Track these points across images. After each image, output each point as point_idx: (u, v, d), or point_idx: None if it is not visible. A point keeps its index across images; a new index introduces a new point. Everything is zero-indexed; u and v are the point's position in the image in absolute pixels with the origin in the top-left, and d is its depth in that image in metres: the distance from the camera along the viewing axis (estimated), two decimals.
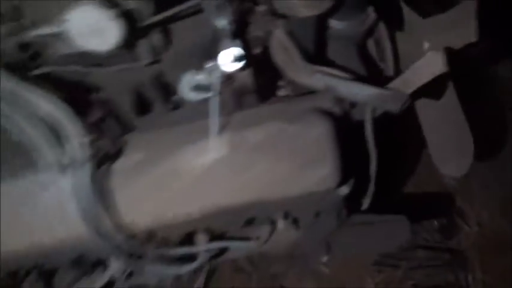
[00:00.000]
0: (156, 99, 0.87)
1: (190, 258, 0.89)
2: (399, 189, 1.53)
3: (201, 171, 0.73)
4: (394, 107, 0.74)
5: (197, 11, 0.82)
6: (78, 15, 0.69)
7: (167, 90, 0.88)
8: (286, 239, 1.01)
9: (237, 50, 0.72)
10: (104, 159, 0.69)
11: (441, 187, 1.66)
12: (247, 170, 0.74)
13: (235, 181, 0.74)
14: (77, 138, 0.66)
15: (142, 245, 0.78)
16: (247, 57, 0.74)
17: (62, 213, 0.70)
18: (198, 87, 0.82)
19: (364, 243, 0.95)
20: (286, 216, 0.92)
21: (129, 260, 0.78)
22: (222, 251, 0.95)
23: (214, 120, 0.71)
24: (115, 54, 0.80)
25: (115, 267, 0.80)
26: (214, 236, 0.90)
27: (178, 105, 0.89)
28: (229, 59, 0.72)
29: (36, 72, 0.73)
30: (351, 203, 0.98)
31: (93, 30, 0.71)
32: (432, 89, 0.82)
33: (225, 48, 0.72)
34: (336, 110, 0.78)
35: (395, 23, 1.02)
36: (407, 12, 1.03)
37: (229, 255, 1.02)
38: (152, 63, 0.84)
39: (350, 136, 0.80)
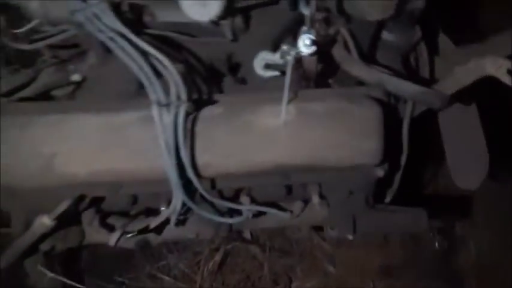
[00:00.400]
0: (227, 72, 1.02)
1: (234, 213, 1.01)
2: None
3: (269, 130, 0.87)
4: (436, 104, 0.88)
5: (273, 2, 0.99)
6: None
7: (237, 66, 1.04)
8: (316, 215, 1.14)
9: (312, 38, 0.87)
10: (193, 108, 0.83)
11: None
12: (308, 134, 0.87)
13: (296, 142, 0.87)
14: (177, 86, 0.81)
15: (206, 188, 0.90)
16: (317, 45, 0.90)
17: (153, 145, 0.83)
18: (270, 66, 0.97)
19: (385, 226, 1.07)
20: (320, 193, 1.05)
21: (189, 200, 0.90)
22: (259, 215, 1.06)
23: (286, 92, 0.86)
24: (206, 28, 0.96)
25: (173, 206, 0.91)
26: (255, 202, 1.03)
27: (244, 80, 1.05)
28: (305, 44, 0.87)
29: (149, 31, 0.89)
30: (377, 193, 1.11)
31: (199, 1, 0.87)
32: (464, 97, 0.97)
33: (303, 34, 0.87)
34: (386, 100, 0.93)
35: (432, 47, 1.18)
36: (444, 39, 1.19)
37: (264, 223, 1.14)
38: (232, 41, 1.00)
39: (391, 127, 0.94)
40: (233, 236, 1.64)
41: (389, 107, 0.93)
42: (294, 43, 0.93)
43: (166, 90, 0.81)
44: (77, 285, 1.33)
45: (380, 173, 0.95)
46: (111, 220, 1.09)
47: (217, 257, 1.59)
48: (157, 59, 0.83)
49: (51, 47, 1.06)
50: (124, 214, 1.13)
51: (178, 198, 0.89)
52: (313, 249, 1.68)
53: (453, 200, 1.54)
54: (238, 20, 0.99)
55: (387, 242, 1.71)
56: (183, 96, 0.80)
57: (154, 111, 0.79)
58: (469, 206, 1.66)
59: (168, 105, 0.79)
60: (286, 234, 1.68)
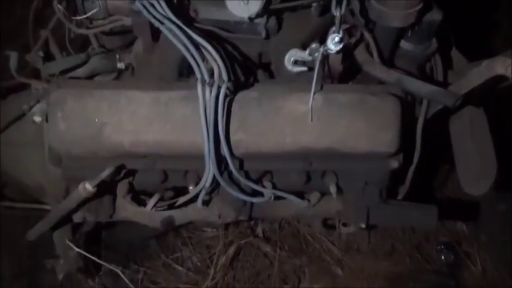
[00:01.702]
0: (259, 66, 1.13)
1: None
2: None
3: (297, 115, 0.96)
4: (450, 102, 0.98)
5: (304, 7, 1.10)
6: None
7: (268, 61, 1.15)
8: (331, 207, 1.21)
9: (340, 36, 0.98)
10: (232, 89, 0.94)
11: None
12: (332, 121, 0.97)
13: (320, 128, 0.97)
14: (220, 68, 0.91)
15: (236, 166, 0.99)
16: (344, 45, 1.00)
17: (193, 120, 0.93)
18: (299, 62, 1.08)
19: (397, 219, 1.14)
20: (338, 184, 1.13)
21: (219, 175, 0.99)
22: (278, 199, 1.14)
23: (314, 82, 0.96)
24: (244, 26, 1.07)
25: (204, 180, 1.00)
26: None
27: (272, 74, 1.16)
28: (333, 42, 0.98)
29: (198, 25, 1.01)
30: (390, 189, 1.18)
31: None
32: (475, 100, 1.06)
33: (333, 34, 0.98)
34: (404, 97, 1.02)
35: (446, 60, 1.28)
36: (457, 55, 1.29)
37: (281, 211, 1.22)
38: (265, 38, 1.11)
39: (407, 123, 1.03)
40: (246, 232, 1.71)
41: (406, 104, 1.03)
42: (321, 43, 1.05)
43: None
44: (102, 262, 1.39)
45: (394, 163, 1.03)
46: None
47: (231, 252, 1.66)
48: (202, 45, 0.94)
49: (102, 34, 1.19)
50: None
51: (210, 172, 0.97)
52: (323, 252, 1.74)
53: (461, 205, 1.60)
54: (272, 20, 1.10)
55: (394, 250, 1.77)
56: (225, 77, 0.90)
57: (199, 88, 0.90)
58: (477, 211, 1.72)
59: (211, 83, 0.89)
60: (297, 234, 1.75)
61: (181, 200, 1.08)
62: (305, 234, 1.77)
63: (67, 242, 1.29)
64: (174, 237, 1.74)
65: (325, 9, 1.13)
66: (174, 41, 0.93)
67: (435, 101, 1.04)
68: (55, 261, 1.67)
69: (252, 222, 1.72)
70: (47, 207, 1.28)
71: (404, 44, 1.17)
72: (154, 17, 0.96)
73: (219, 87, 0.89)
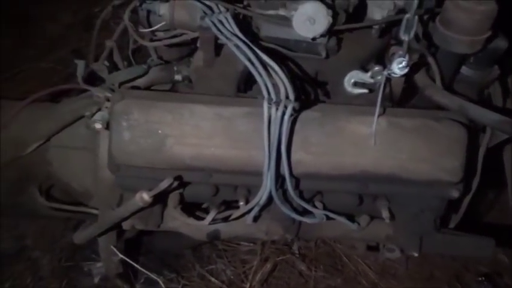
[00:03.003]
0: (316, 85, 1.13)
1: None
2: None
3: (360, 137, 0.96)
4: None
5: (363, 28, 1.10)
6: (306, 6, 0.97)
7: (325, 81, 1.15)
8: (380, 231, 1.19)
9: (406, 61, 0.97)
10: (298, 108, 0.94)
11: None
12: (395, 146, 0.96)
13: (383, 152, 0.95)
14: (286, 87, 0.92)
15: (293, 185, 0.99)
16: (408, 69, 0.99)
17: (255, 137, 0.93)
18: (359, 84, 1.07)
19: (452, 248, 1.11)
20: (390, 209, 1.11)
21: (276, 194, 0.98)
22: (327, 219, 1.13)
23: (378, 104, 0.95)
24: (304, 44, 1.08)
25: (259, 197, 1.00)
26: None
27: (328, 94, 1.15)
28: (399, 66, 0.97)
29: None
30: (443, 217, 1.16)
31: (308, 19, 0.99)
32: None
33: (399, 57, 0.97)
34: (468, 124, 1.00)
35: (506, 88, 1.25)
36: None
37: (329, 231, 1.20)
38: (324, 58, 1.11)
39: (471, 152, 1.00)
40: (283, 249, 1.70)
41: (471, 132, 1.01)
42: (382, 65, 1.04)
43: None
44: (144, 270, 1.40)
45: (455, 193, 1.01)
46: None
47: (267, 268, 1.64)
48: (268, 63, 0.95)
49: (162, 48, 1.22)
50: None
51: (267, 189, 0.97)
52: (358, 274, 1.71)
53: (503, 234, 1.54)
54: (333, 40, 1.10)
55: (433, 277, 1.72)
56: (291, 96, 0.91)
57: (265, 106, 0.90)
58: None
59: (278, 102, 0.89)
60: (333, 254, 1.73)
61: (235, 214, 1.08)
62: (341, 255, 1.74)
63: (112, 247, 1.30)
64: (209, 249, 1.74)
65: (385, 31, 1.14)
66: (241, 57, 0.94)
67: (501, 130, 1.02)
68: (92, 264, 1.72)
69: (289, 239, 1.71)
70: (94, 211, 1.31)
71: (464, 70, 1.15)
72: (222, 34, 0.97)
73: (285, 107, 0.90)
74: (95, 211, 1.31)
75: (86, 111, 1.12)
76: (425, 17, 1.10)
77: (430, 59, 1.06)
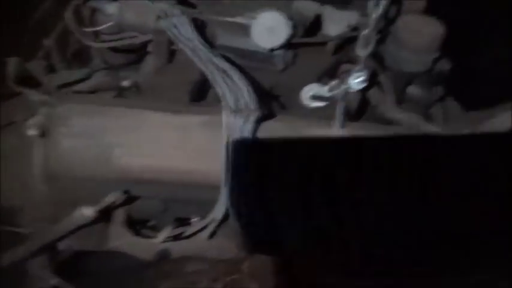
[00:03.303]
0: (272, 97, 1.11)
1: None
2: None
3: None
4: None
5: (320, 43, 1.11)
6: (266, 16, 0.95)
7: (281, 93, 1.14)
8: None
9: (364, 76, 0.98)
10: (259, 118, 0.90)
11: None
12: None
13: None
14: (248, 96, 0.89)
15: None
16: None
17: (211, 149, 0.88)
18: (317, 97, 1.07)
19: None
20: None
21: (232, 209, 0.93)
22: None
23: (339, 120, 0.96)
24: (260, 56, 1.06)
25: (216, 213, 0.94)
26: None
27: (284, 106, 1.14)
28: (356, 81, 0.98)
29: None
30: None
31: (267, 30, 0.97)
32: None
33: (356, 72, 0.98)
34: None
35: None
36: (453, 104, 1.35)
37: None
38: (281, 70, 1.10)
39: None
40: (232, 269, 1.63)
41: None
42: (340, 79, 1.05)
43: None
44: None
45: None
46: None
47: None
48: (227, 72, 0.91)
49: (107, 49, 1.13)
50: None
51: (224, 205, 0.92)
52: None
53: None
54: (290, 53, 1.10)
55: None
56: (253, 105, 0.87)
57: (225, 116, 0.85)
58: None
59: (239, 111, 0.85)
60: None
61: (189, 231, 1.01)
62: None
63: (44, 271, 1.16)
64: (153, 270, 1.63)
65: (340, 47, 1.15)
66: (199, 63, 0.89)
67: None
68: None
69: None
70: (21, 230, 1.16)
71: (411, 89, 1.21)
72: (178, 38, 0.92)
73: (247, 116, 0.86)
74: (22, 230, 1.16)
75: (18, 116, 0.99)
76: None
77: (383, 77, 1.09)
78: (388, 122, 1.11)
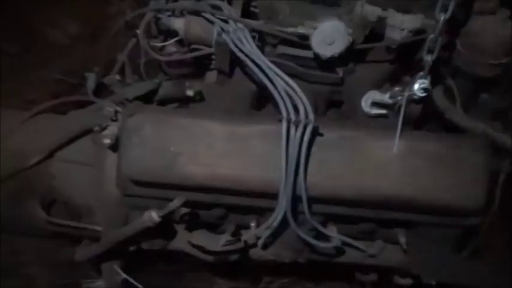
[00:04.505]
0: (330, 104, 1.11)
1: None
2: None
3: (380, 161, 0.93)
4: None
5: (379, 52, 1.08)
6: (326, 25, 0.95)
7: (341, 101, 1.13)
8: (392, 257, 1.15)
9: (427, 83, 0.95)
10: (317, 130, 0.91)
11: None
12: (417, 170, 0.92)
13: (404, 176, 0.92)
14: (306, 107, 0.89)
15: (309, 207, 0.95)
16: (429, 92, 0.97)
17: (271, 158, 0.90)
18: (377, 104, 1.05)
19: (469, 278, 1.07)
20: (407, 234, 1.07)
21: (291, 216, 0.94)
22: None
23: (399, 128, 0.92)
24: (321, 64, 1.06)
25: (273, 218, 0.95)
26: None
27: (344, 114, 1.13)
28: (420, 88, 0.95)
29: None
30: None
31: (327, 38, 0.97)
32: None
33: (420, 79, 0.95)
34: (490, 150, 0.97)
35: None
36: None
37: (341, 257, 1.16)
38: (341, 78, 1.09)
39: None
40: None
41: (493, 158, 0.98)
42: (402, 86, 1.02)
43: None
44: None
45: (475, 220, 0.97)
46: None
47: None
48: (287, 83, 0.92)
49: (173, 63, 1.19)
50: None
51: (282, 211, 0.93)
52: None
53: None
54: (350, 60, 1.08)
55: None
56: (311, 116, 0.88)
57: (284, 126, 0.87)
58: None
59: (297, 122, 0.86)
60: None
61: (247, 237, 1.04)
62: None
63: (115, 267, 1.25)
64: (210, 269, 1.68)
65: (401, 54, 1.11)
66: (260, 75, 0.92)
67: None
68: (91, 282, 1.65)
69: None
70: (97, 228, 1.26)
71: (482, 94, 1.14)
72: (240, 50, 0.95)
73: (305, 127, 0.87)
74: (98, 228, 1.26)
75: (95, 125, 1.09)
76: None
77: (451, 82, 1.04)
78: (455, 130, 1.06)
